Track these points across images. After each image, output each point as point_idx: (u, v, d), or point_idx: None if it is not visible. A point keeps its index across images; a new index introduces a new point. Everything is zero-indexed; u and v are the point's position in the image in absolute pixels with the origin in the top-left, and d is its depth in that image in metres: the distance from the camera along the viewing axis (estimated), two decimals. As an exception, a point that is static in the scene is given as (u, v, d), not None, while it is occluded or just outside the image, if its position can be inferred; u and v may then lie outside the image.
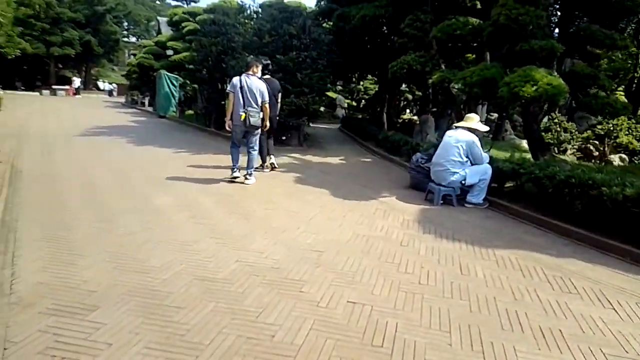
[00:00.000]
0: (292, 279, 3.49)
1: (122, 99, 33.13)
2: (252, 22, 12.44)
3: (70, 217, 4.78)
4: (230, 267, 3.65)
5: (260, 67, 7.05)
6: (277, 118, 8.54)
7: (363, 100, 32.39)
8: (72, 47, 39.66)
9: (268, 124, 7.10)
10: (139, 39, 56.38)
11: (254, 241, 4.33)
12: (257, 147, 7.07)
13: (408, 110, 31.51)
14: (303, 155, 10.52)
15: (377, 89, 29.58)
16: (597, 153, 11.32)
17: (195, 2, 25.03)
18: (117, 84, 45.93)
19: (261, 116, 6.79)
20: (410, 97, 26.81)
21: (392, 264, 3.96)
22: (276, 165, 8.16)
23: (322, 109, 11.37)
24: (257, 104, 6.69)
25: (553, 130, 11.50)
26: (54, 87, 36.36)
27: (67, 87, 35.53)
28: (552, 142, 11.32)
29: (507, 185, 6.73)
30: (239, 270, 3.59)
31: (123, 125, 15.36)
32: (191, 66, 15.12)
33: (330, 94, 24.72)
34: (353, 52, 15.56)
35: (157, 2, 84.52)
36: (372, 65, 17.48)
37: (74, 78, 38.60)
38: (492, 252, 4.47)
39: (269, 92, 6.94)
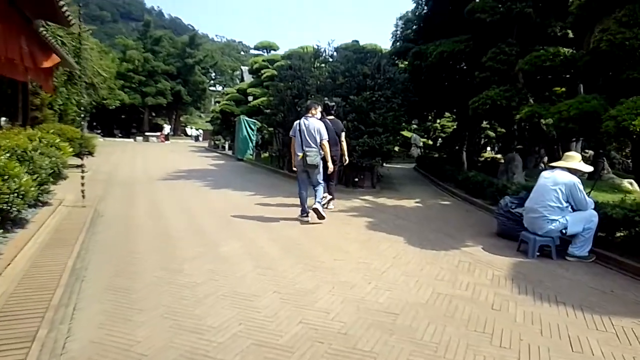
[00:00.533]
0: (361, 350, 2.97)
1: (206, 144, 35.28)
2: (326, 65, 12.52)
3: (137, 264, 4.71)
4: (292, 330, 3.23)
5: (319, 109, 7.33)
6: (349, 159, 8.91)
7: (439, 139, 31.39)
8: (164, 96, 43.53)
9: (330, 163, 7.18)
10: (224, 87, 60.62)
11: (320, 298, 3.90)
12: (321, 183, 7.15)
13: (489, 149, 29.91)
14: (376, 198, 10.03)
15: (454, 127, 28.62)
16: None
17: (275, 50, 26.24)
18: (202, 129, 49.36)
19: (321, 155, 6.90)
20: (491, 134, 25.41)
21: (482, 334, 3.29)
22: (321, 216, 7.14)
23: (396, 148, 10.87)
24: (315, 144, 6.85)
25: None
26: (146, 133, 39.83)
27: (158, 133, 38.73)
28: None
29: (618, 235, 5.71)
30: (302, 335, 3.16)
31: (202, 168, 16.05)
32: (268, 110, 15.56)
33: (404, 132, 24.24)
34: (429, 90, 15.06)
35: (242, 52, 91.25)
36: (450, 103, 16.79)
37: (165, 125, 42.18)
38: (608, 320, 3.62)
39: (331, 132, 7.15)
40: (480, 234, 6.70)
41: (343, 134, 8.30)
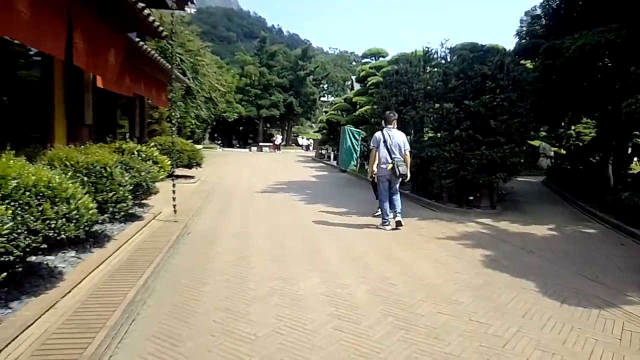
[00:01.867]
0: None
1: (314, 153, 35.52)
2: (438, 68, 11.13)
3: (201, 300, 4.04)
4: None
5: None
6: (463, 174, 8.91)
7: (572, 147, 27.20)
8: (277, 108, 45.25)
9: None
10: (335, 97, 61.31)
11: (413, 383, 2.75)
12: (399, 192, 7.53)
13: (636, 159, 24.95)
14: (496, 222, 8.37)
15: (593, 134, 24.52)
16: None
17: (383, 57, 25.22)
18: (313, 139, 50.23)
19: (406, 164, 7.29)
20: (644, 143, 21.05)
21: None
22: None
23: (521, 160, 9.06)
24: (401, 154, 7.23)
25: None
26: (260, 144, 41.65)
27: (270, 144, 40.23)
28: None
29: None
30: None
31: (303, 180, 15.58)
32: (372, 120, 14.55)
33: (532, 141, 21.26)
34: (564, 91, 12.70)
35: (354, 62, 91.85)
36: (591, 106, 14.03)
37: (277, 135, 43.70)
38: None
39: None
40: (650, 283, 4.85)
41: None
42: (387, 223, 7.28)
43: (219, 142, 45.40)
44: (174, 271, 4.93)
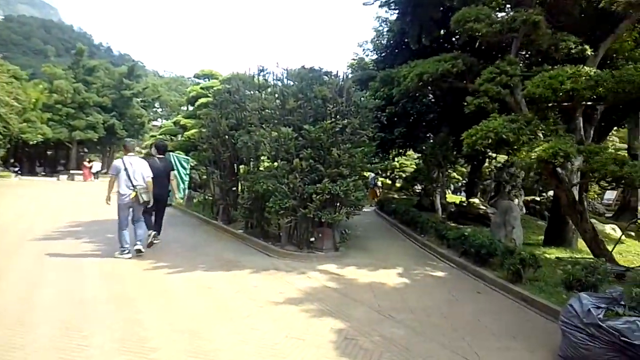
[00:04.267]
0: None
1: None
2: (274, 87, 9.69)
3: None
4: None
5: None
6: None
7: (397, 179, 29.32)
8: (95, 130, 38.89)
9: (152, 199, 7.25)
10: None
11: None
12: (142, 219, 7.34)
13: (449, 191, 28.01)
14: (341, 268, 7.05)
15: (418, 166, 26.65)
16: None
17: (216, 78, 23.28)
18: (140, 166, 44.61)
19: (149, 191, 7.16)
20: (458, 176, 23.51)
21: None
22: (154, 241, 7.69)
23: (361, 194, 8.04)
24: (144, 182, 7.08)
25: None
26: (71, 171, 34.83)
27: (81, 171, 33.80)
28: None
29: None
30: None
31: (104, 220, 12.03)
32: (201, 145, 12.33)
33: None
34: (401, 121, 12.69)
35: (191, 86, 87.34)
36: (417, 137, 14.51)
37: (93, 162, 37.14)
38: None
39: (160, 170, 7.69)
40: (536, 351, 3.85)
41: (172, 172, 8.27)
42: (126, 252, 7.00)
43: (17, 168, 36.66)
44: None
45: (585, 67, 7.42)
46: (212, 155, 10.73)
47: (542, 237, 11.11)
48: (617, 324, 3.31)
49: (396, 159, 26.25)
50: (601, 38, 8.64)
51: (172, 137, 23.57)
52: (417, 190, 24.75)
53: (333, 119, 7.87)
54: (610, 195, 24.94)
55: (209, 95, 18.50)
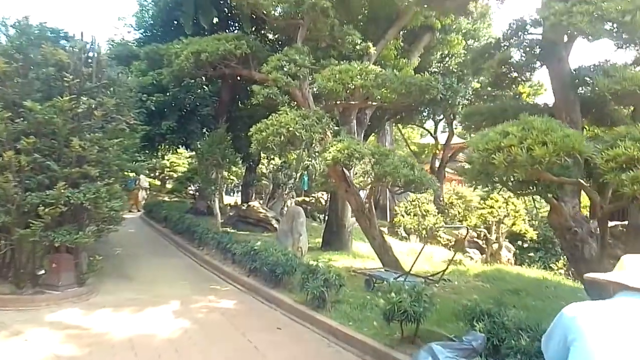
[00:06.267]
0: None
1: None
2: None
3: None
4: None
5: None
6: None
7: (168, 179, 26.51)
8: None
9: None
10: None
11: None
12: None
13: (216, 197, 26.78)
14: (87, 313, 4.81)
15: (190, 165, 24.46)
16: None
17: None
18: None
19: None
20: (233, 177, 22.44)
21: None
22: None
23: (119, 204, 5.82)
24: None
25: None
26: None
27: None
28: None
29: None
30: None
31: None
32: None
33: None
34: (169, 114, 10.63)
35: None
36: (192, 132, 12.70)
37: None
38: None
39: None
40: None
41: None
42: None
43: None
44: None
45: (372, 65, 7.19)
46: None
47: (319, 240, 10.96)
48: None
49: (166, 157, 23.60)
50: (374, 42, 8.80)
51: None
52: (191, 193, 22.78)
53: (74, 96, 5.41)
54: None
55: None
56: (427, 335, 4.04)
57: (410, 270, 5.92)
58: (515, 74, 5.63)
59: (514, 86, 6.51)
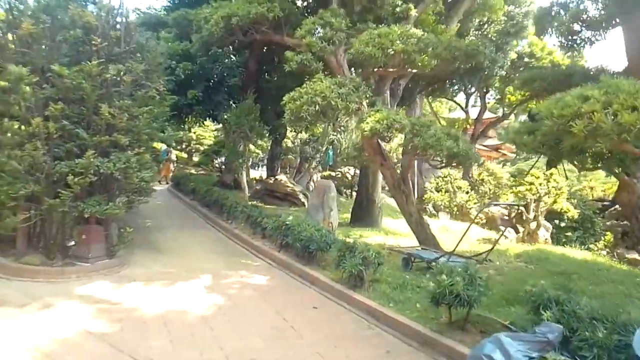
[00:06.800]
0: None
1: None
2: None
3: None
4: None
5: None
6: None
7: (195, 152, 26.56)
8: None
9: None
10: None
11: None
12: None
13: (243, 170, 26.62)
14: (117, 287, 4.68)
15: (216, 138, 24.39)
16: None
17: None
18: None
19: None
20: (258, 150, 22.25)
21: None
22: None
23: (149, 174, 5.63)
24: None
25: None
26: None
27: None
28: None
29: None
30: None
31: None
32: None
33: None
34: (196, 84, 10.35)
35: None
36: (219, 103, 12.42)
37: None
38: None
39: None
40: None
41: None
42: None
43: None
44: None
45: (413, 28, 6.68)
46: None
47: (347, 216, 10.67)
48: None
49: (192, 130, 23.56)
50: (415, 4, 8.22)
51: None
52: (217, 166, 22.73)
53: (102, 61, 5.17)
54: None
55: None
56: (479, 321, 3.75)
57: (455, 250, 5.57)
58: (589, 33, 4.99)
59: (587, 46, 5.79)
